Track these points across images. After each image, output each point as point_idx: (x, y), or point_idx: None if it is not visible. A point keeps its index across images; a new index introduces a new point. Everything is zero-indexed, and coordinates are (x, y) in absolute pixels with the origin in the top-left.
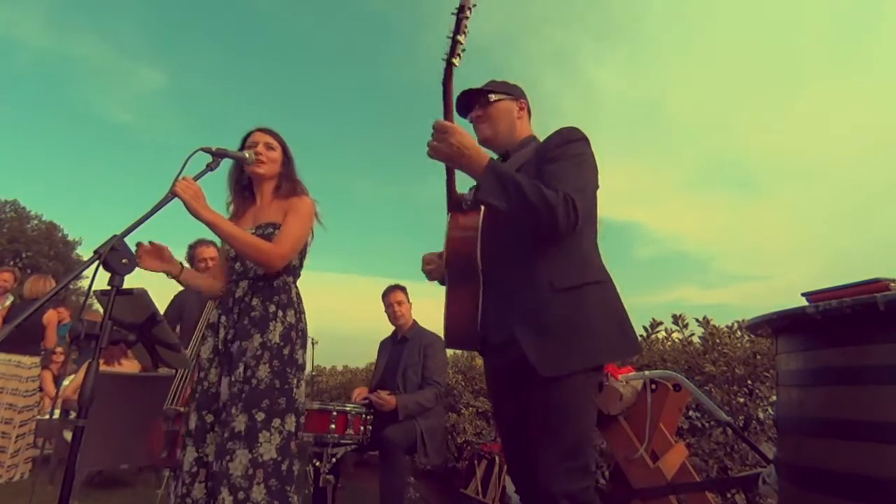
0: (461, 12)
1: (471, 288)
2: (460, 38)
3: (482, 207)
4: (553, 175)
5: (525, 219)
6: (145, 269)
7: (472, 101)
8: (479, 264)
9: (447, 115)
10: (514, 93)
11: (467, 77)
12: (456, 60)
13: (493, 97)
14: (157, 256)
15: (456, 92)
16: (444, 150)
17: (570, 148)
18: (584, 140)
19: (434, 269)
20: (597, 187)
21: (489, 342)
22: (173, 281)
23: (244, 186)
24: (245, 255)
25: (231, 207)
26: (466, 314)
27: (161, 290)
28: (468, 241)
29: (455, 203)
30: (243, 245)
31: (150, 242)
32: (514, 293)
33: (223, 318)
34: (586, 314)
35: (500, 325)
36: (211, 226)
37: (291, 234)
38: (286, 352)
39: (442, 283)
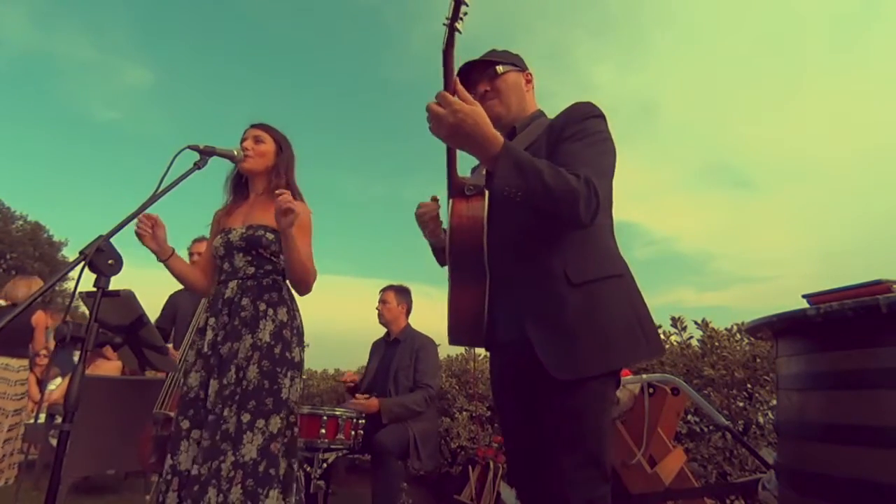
0: None
1: (476, 280)
2: None
3: (487, 193)
4: (570, 155)
5: (544, 208)
6: (140, 242)
7: (476, 76)
8: (485, 255)
9: (447, 87)
10: (520, 63)
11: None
12: (459, 25)
13: (500, 69)
14: (153, 234)
15: (457, 65)
16: (448, 124)
17: (588, 125)
18: (602, 117)
19: (426, 212)
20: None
21: (497, 340)
22: (165, 283)
23: (240, 184)
24: (298, 272)
25: (227, 204)
26: (471, 309)
27: (157, 290)
28: (473, 231)
29: (457, 188)
30: (303, 264)
31: (152, 217)
32: (525, 287)
33: (211, 321)
34: (606, 312)
35: (510, 321)
36: (291, 239)
37: (310, 252)
38: (277, 350)
39: (432, 238)
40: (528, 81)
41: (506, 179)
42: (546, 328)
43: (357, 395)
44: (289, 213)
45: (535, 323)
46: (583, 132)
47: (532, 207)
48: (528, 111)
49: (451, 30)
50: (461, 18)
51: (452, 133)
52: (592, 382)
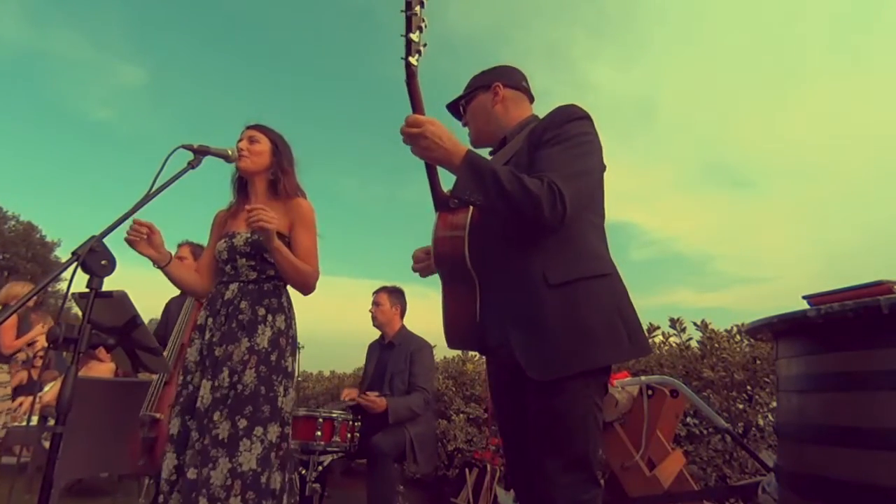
0: (409, 9)
1: (466, 288)
2: (413, 36)
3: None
4: (545, 161)
5: (506, 213)
6: (134, 249)
7: (456, 116)
8: (469, 265)
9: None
10: (484, 80)
11: (459, 72)
12: (413, 59)
13: (463, 103)
14: (147, 240)
15: (428, 95)
16: (419, 144)
17: (568, 129)
18: (583, 118)
19: (424, 267)
20: (602, 169)
21: (488, 345)
22: (160, 284)
23: (242, 186)
24: (293, 280)
25: (231, 207)
26: (464, 315)
27: (151, 291)
28: (455, 242)
29: (442, 201)
30: (294, 270)
31: (146, 223)
32: (506, 291)
33: (210, 321)
34: (585, 311)
35: (496, 325)
36: (275, 253)
37: (313, 249)
38: (273, 358)
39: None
40: (496, 94)
41: (466, 185)
42: (526, 330)
43: (367, 392)
44: (263, 231)
45: (515, 326)
46: (561, 136)
47: (496, 213)
48: (513, 121)
49: (407, 64)
50: (419, 52)
51: (425, 148)
52: (572, 382)
